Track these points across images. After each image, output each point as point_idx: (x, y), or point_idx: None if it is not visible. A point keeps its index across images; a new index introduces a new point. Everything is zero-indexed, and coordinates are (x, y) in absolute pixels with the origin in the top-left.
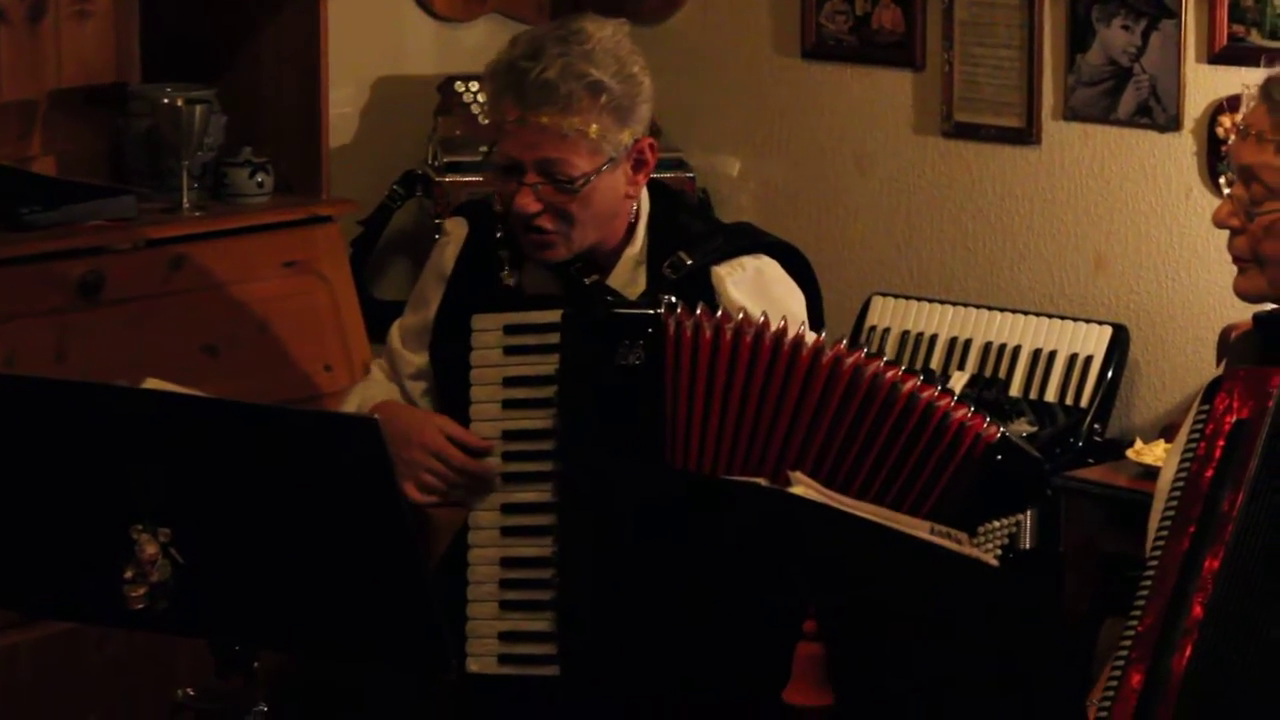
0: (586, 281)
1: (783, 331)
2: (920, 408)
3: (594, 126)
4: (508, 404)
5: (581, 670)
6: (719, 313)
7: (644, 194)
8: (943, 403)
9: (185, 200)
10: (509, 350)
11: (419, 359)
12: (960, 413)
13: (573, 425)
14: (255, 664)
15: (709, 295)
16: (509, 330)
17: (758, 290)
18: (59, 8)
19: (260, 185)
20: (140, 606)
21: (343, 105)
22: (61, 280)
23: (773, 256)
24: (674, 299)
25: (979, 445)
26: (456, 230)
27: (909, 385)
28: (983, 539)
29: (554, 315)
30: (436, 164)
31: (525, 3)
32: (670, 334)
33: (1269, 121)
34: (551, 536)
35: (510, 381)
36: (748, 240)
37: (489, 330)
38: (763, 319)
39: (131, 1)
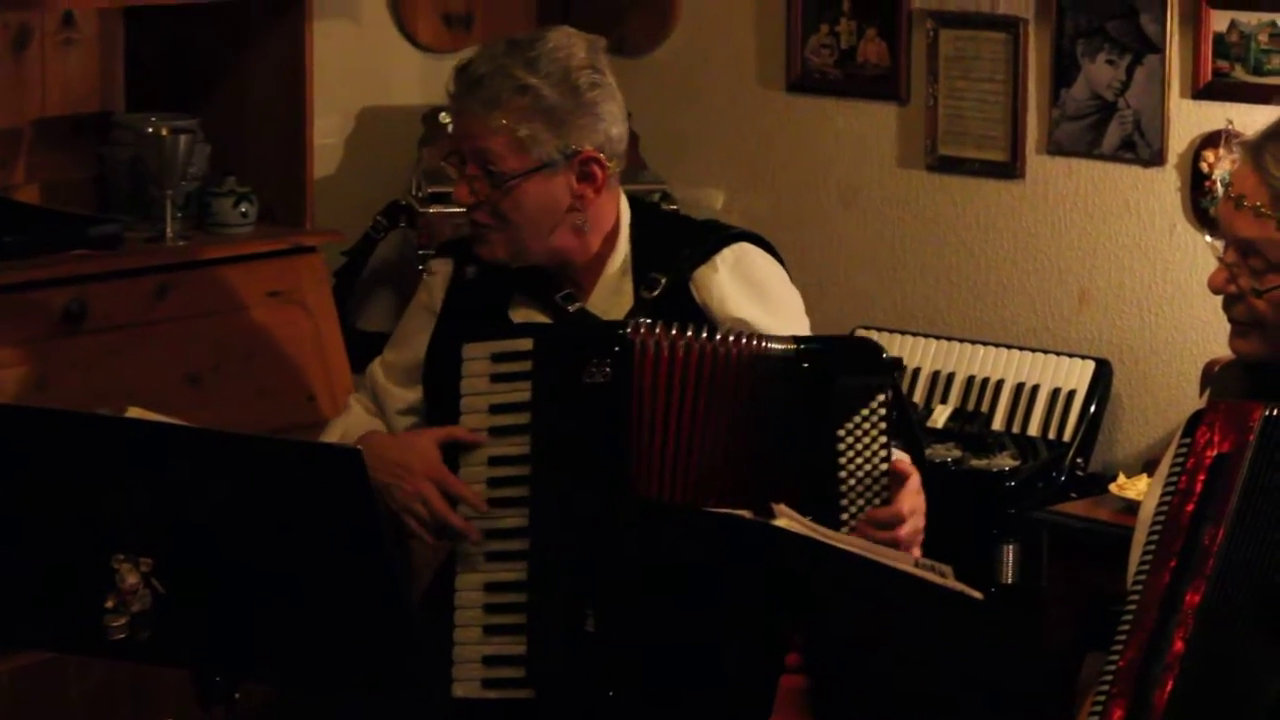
0: (571, 309)
1: (739, 338)
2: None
3: (521, 128)
4: (494, 431)
5: (555, 695)
6: (689, 328)
7: (624, 208)
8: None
9: (169, 229)
10: (495, 378)
11: (410, 394)
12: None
13: (542, 448)
14: (236, 695)
15: (691, 305)
16: (495, 358)
17: (740, 279)
18: (44, 36)
19: (244, 215)
20: (121, 636)
21: (327, 135)
22: (44, 308)
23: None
24: (648, 319)
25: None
26: (442, 268)
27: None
28: (852, 437)
29: (529, 342)
30: (420, 195)
31: (510, 32)
32: (636, 351)
33: (1266, 195)
34: (527, 561)
35: (496, 409)
36: (716, 235)
37: (478, 359)
38: (730, 332)
39: (116, 31)
